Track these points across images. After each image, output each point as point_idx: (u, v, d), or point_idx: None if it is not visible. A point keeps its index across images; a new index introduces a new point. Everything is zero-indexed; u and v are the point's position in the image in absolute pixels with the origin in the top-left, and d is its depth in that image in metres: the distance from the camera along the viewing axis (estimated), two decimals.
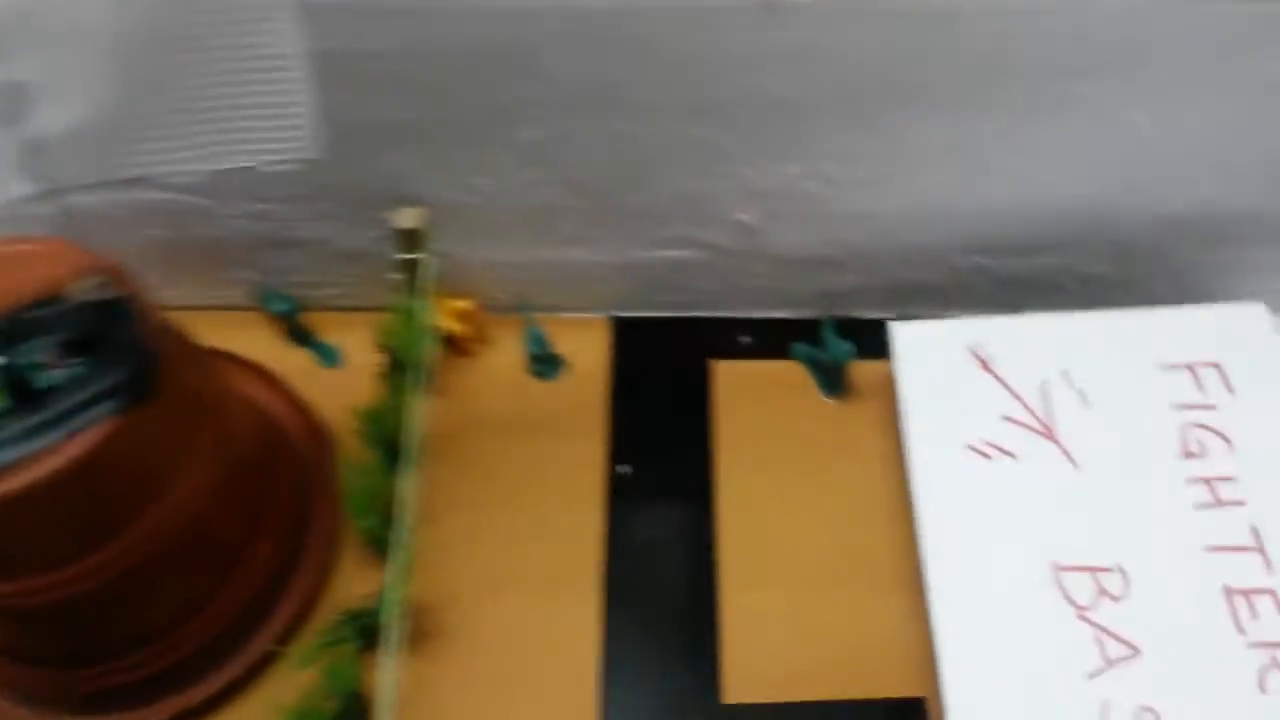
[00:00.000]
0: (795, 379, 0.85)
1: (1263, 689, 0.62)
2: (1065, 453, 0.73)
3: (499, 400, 0.84)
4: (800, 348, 0.86)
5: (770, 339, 0.87)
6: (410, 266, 0.77)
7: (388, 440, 0.75)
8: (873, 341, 0.84)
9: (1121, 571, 0.67)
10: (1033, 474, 0.72)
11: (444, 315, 0.81)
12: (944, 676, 0.66)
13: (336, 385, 0.84)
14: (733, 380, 0.85)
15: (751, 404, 0.84)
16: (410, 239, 0.74)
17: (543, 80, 0.67)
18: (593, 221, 0.79)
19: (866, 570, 0.75)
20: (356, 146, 0.72)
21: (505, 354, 0.86)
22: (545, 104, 0.69)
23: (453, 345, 0.84)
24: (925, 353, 0.78)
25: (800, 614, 0.74)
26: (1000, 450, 0.73)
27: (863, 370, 0.84)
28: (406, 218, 0.74)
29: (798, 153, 0.73)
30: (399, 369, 0.78)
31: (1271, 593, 0.65)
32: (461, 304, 0.82)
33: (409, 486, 0.74)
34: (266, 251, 0.81)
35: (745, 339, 0.88)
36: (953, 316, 0.88)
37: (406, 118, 0.70)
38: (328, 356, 0.85)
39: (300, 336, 0.85)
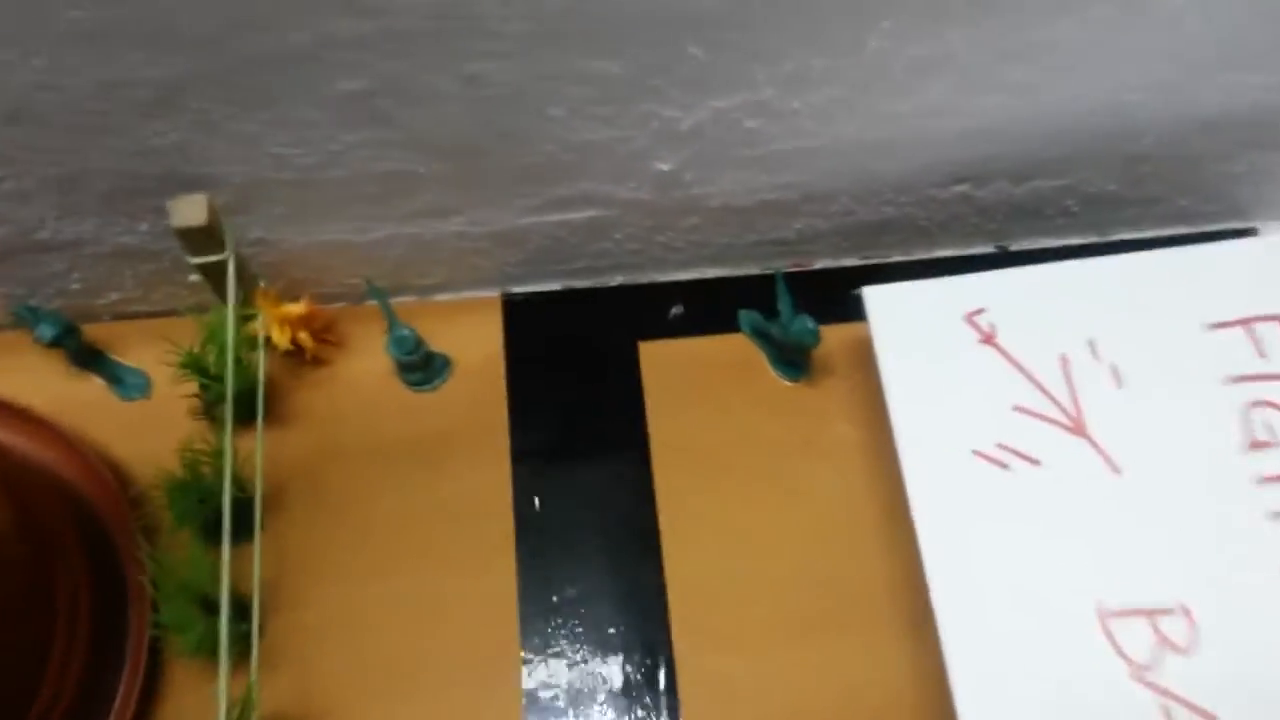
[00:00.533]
0: (743, 356, 0.67)
1: None
2: (1101, 453, 0.56)
3: (369, 423, 0.64)
4: (748, 318, 0.67)
5: (708, 306, 0.69)
6: (211, 270, 0.56)
7: (212, 506, 0.56)
8: (836, 299, 0.67)
9: (1186, 613, 0.52)
10: (1063, 486, 0.56)
11: (273, 324, 0.61)
12: None
13: (146, 422, 0.64)
14: (665, 364, 0.67)
15: (691, 395, 0.66)
16: (199, 236, 0.53)
17: (358, 9, 0.45)
18: (460, 187, 0.58)
19: (852, 613, 0.60)
20: (92, 120, 0.49)
21: (372, 358, 0.66)
22: (366, 43, 0.47)
23: (300, 356, 0.64)
24: (910, 324, 0.60)
25: (774, 674, 0.58)
26: (1018, 455, 0.57)
27: (828, 337, 0.66)
28: (186, 210, 0.52)
29: (730, 81, 0.53)
30: (219, 401, 0.58)
31: None
32: (295, 308, 0.61)
33: (250, 570, 0.56)
34: (14, 260, 0.59)
35: (676, 310, 0.69)
36: (929, 255, 0.71)
37: (158, 76, 0.47)
38: (127, 385, 0.64)
39: (86, 360, 0.64)
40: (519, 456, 0.63)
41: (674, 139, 0.57)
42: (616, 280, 0.69)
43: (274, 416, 0.63)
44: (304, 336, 0.62)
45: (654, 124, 0.55)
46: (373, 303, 0.66)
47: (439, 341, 0.66)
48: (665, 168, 0.59)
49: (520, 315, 0.68)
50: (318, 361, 0.65)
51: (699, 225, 0.65)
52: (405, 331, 0.61)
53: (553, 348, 0.67)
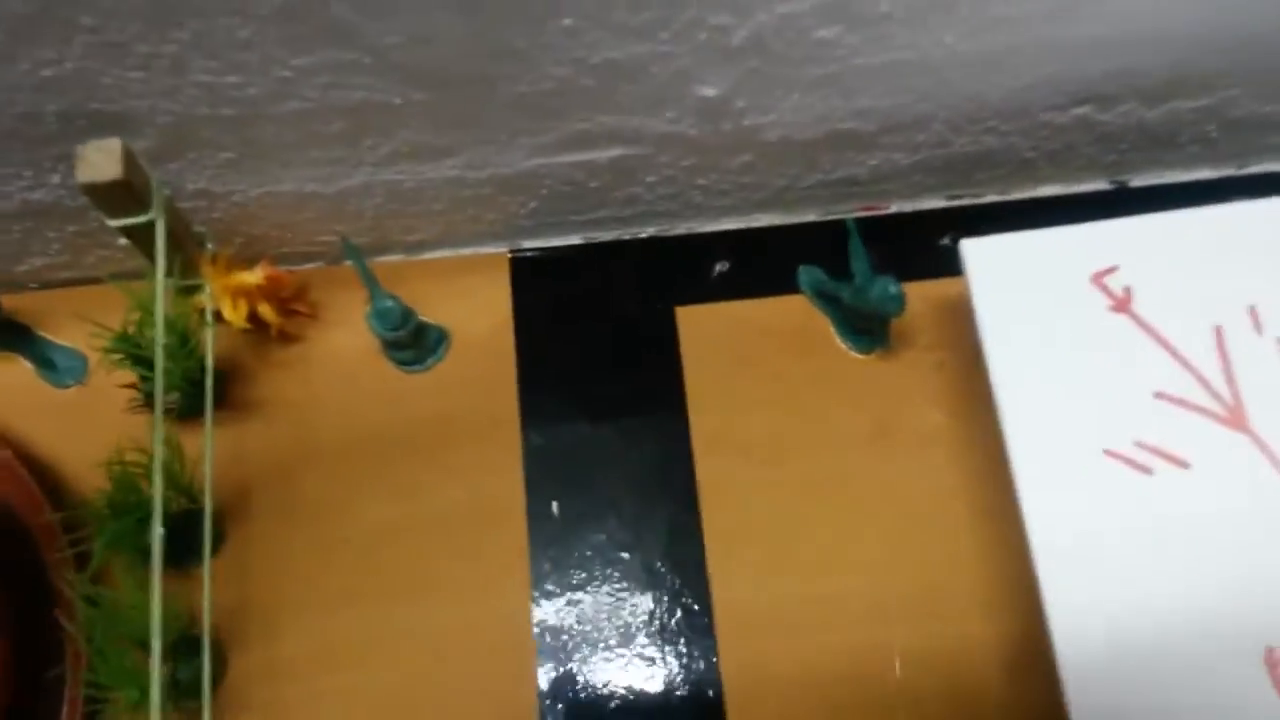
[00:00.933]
0: (803, 322, 0.55)
1: None
2: (1266, 452, 0.44)
3: (350, 412, 0.53)
4: (809, 276, 0.55)
5: (759, 262, 0.56)
6: (137, 233, 0.44)
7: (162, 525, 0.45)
8: (918, 250, 0.55)
9: None
10: (1218, 495, 0.44)
11: (223, 296, 0.49)
12: None
13: (82, 413, 0.53)
14: (708, 334, 0.55)
15: (740, 372, 0.54)
16: (114, 192, 0.41)
17: None
18: (449, 122, 0.46)
19: (940, 643, 0.48)
20: None
21: (354, 330, 0.54)
22: None
23: (264, 332, 0.53)
24: (1022, 286, 0.48)
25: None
26: (1161, 456, 0.45)
27: (909, 297, 0.53)
28: (96, 160, 0.40)
29: None
30: (166, 391, 0.47)
31: None
32: (250, 275, 0.49)
33: (201, 607, 0.45)
34: None
35: (721, 266, 0.56)
36: (1031, 194, 0.58)
37: None
38: (59, 369, 0.53)
39: (8, 338, 0.53)
40: (533, 450, 0.52)
41: (724, 55, 0.44)
42: (649, 232, 0.57)
43: (234, 408, 0.52)
44: (266, 309, 0.51)
45: (699, 36, 0.42)
46: (345, 266, 0.54)
47: (434, 310, 0.54)
48: (711, 93, 0.46)
49: (532, 276, 0.56)
50: (286, 337, 0.53)
51: (751, 164, 0.52)
52: (388, 303, 0.50)
53: (572, 315, 0.55)
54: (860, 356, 0.54)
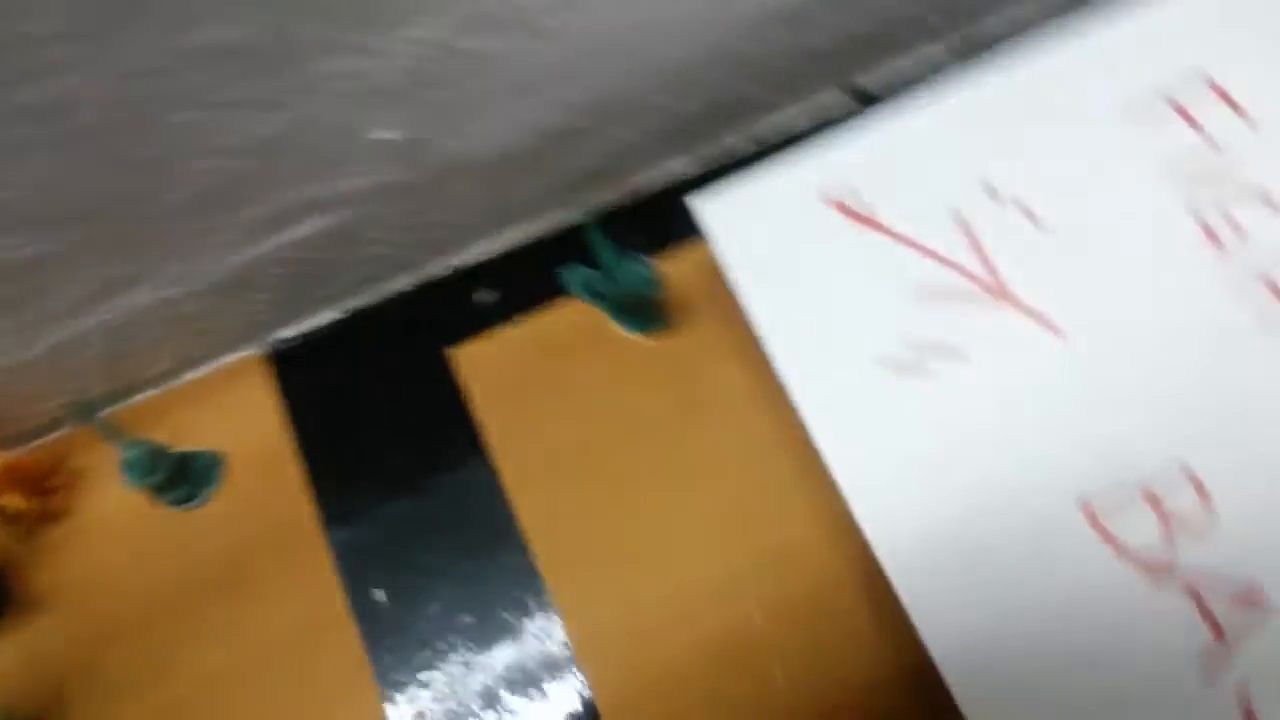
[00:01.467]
0: (585, 324, 0.53)
1: None
2: (1034, 316, 0.44)
3: (140, 574, 0.49)
4: (575, 277, 0.53)
5: (524, 277, 0.54)
6: None
7: None
8: (680, 217, 0.53)
9: (1191, 478, 0.41)
10: (999, 373, 0.43)
11: None
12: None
13: None
14: (490, 367, 0.53)
15: (533, 394, 0.52)
16: None
17: None
18: (120, 249, 0.42)
19: (810, 609, 0.47)
20: None
21: (122, 487, 0.50)
22: None
23: (24, 521, 0.49)
24: (763, 230, 0.47)
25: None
26: (939, 353, 0.44)
27: (682, 264, 0.53)
28: None
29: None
30: None
31: None
32: None
33: None
34: None
35: (486, 296, 0.54)
36: (782, 130, 0.57)
37: None
38: None
39: None
40: (341, 548, 0.49)
41: (381, 98, 0.41)
42: (403, 283, 0.54)
43: (21, 609, 0.48)
44: (12, 500, 0.47)
45: (339, 86, 0.39)
46: (108, 412, 0.50)
47: (204, 435, 0.51)
48: (390, 136, 0.44)
49: (295, 367, 0.53)
50: (51, 518, 0.49)
51: (473, 187, 0.50)
52: (132, 452, 0.46)
53: (346, 395, 0.52)
54: (648, 340, 0.52)
